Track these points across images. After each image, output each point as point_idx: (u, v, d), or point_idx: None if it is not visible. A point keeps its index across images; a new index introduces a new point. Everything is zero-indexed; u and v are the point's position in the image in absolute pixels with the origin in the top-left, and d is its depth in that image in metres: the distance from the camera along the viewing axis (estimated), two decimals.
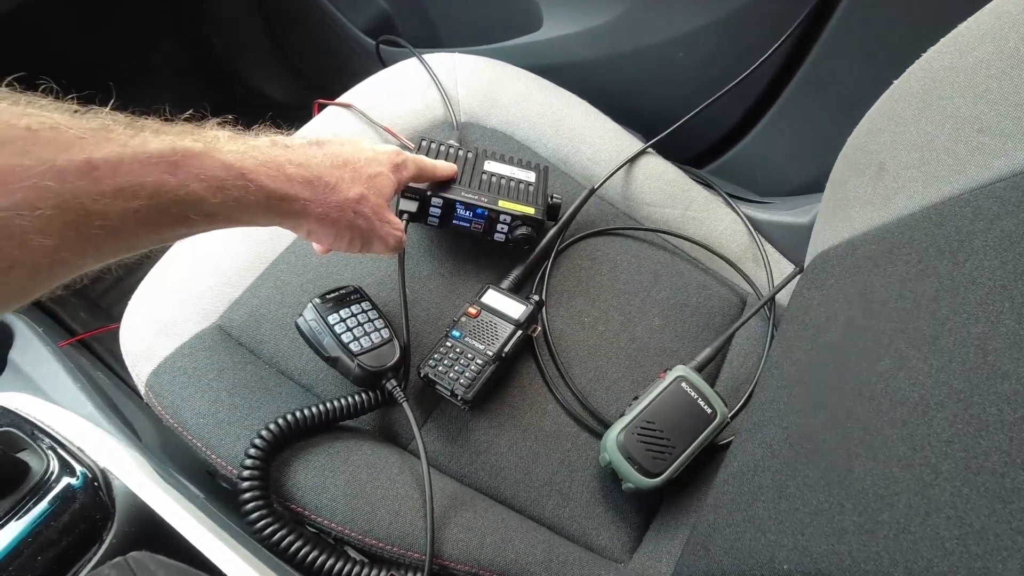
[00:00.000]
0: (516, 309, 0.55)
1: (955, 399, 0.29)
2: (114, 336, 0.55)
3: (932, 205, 0.41)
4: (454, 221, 0.57)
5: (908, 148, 0.45)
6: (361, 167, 0.43)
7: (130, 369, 0.52)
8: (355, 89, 0.70)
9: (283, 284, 0.56)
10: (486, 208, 0.55)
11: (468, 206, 0.55)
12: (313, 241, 0.45)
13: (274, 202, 0.36)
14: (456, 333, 0.53)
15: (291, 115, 0.66)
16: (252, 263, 0.57)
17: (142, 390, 0.51)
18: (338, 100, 0.68)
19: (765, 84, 0.76)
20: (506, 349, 0.53)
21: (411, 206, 0.54)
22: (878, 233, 0.46)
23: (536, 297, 0.57)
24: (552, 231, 0.62)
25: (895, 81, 0.50)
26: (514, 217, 0.56)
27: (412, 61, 0.71)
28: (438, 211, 0.56)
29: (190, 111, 0.35)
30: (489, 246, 0.59)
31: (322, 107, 0.69)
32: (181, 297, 0.55)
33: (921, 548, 0.26)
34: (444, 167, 0.55)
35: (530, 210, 0.57)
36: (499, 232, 0.57)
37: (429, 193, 0.54)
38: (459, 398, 0.50)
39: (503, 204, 0.56)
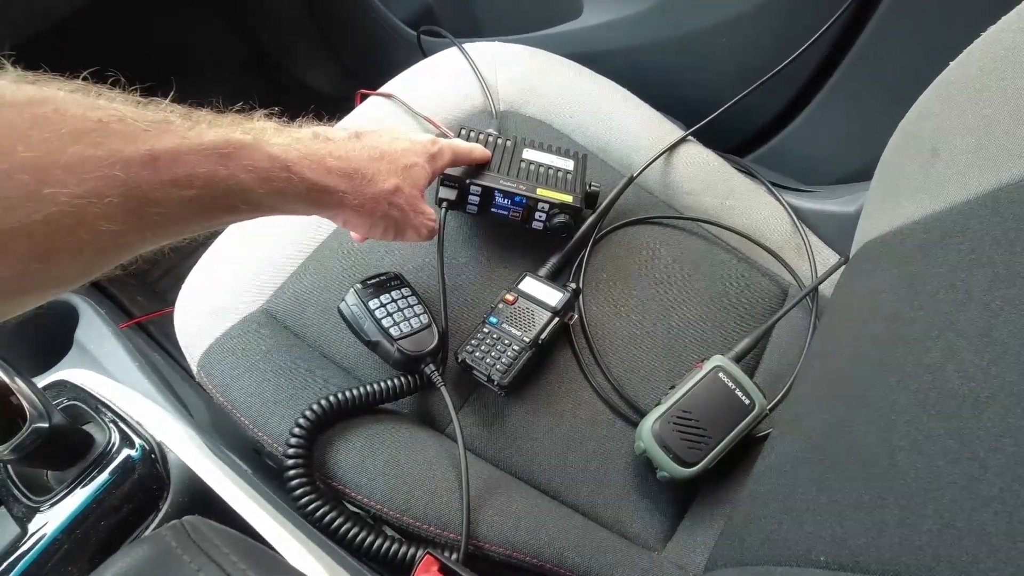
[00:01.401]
0: (553, 296, 0.56)
1: (1008, 392, 0.28)
2: (168, 319, 0.58)
3: (988, 192, 0.39)
4: (492, 209, 0.57)
5: (964, 132, 0.43)
6: (397, 158, 0.44)
7: (183, 349, 0.55)
8: (396, 79, 0.71)
9: (326, 270, 0.58)
10: (524, 196, 0.56)
11: (506, 194, 0.56)
12: (350, 229, 0.46)
13: (314, 194, 0.38)
14: (493, 319, 0.54)
15: (334, 105, 0.68)
16: (297, 250, 0.59)
17: (194, 370, 0.54)
18: (380, 90, 0.69)
19: (811, 70, 0.74)
20: (543, 336, 0.53)
21: (450, 194, 0.55)
22: (929, 221, 0.44)
23: (573, 285, 0.57)
24: (590, 219, 0.62)
25: (951, 62, 0.48)
26: (552, 205, 0.56)
27: (452, 51, 0.72)
28: (477, 199, 0.56)
29: (240, 103, 0.37)
30: (527, 234, 0.60)
31: (364, 97, 0.70)
32: (230, 282, 0.57)
33: (965, 543, 0.25)
34: (479, 151, 0.56)
35: (568, 198, 0.57)
36: (537, 220, 0.58)
37: (468, 181, 0.55)
38: (495, 383, 0.51)
39: (541, 192, 0.56)
